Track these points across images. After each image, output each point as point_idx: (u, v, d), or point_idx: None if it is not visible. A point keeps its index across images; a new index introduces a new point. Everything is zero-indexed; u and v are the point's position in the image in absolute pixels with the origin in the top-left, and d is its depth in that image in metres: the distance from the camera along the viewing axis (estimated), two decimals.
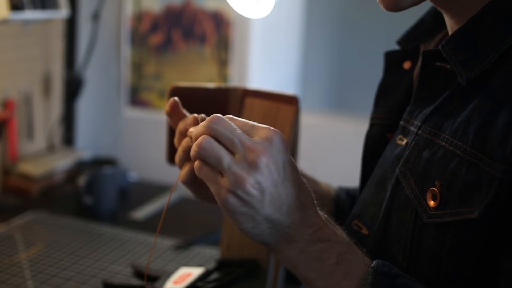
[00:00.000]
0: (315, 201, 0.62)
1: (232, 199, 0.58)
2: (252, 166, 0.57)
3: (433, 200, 0.59)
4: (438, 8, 0.67)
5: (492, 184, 0.54)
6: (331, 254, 0.59)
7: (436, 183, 0.59)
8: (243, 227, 0.59)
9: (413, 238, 0.62)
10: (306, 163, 1.69)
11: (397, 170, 0.64)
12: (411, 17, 0.81)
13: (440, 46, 0.62)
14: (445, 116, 0.62)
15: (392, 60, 0.79)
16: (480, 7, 0.61)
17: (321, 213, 0.62)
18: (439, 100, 0.63)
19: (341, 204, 0.90)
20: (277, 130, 0.60)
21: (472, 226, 0.56)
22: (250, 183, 0.57)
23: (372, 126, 0.78)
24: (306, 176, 0.82)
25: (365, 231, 0.70)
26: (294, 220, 0.60)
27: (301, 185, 0.61)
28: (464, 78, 0.60)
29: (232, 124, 0.59)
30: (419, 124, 0.65)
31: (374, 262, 0.60)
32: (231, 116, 0.61)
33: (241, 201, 0.58)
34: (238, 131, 0.59)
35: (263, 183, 0.57)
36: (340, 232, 0.62)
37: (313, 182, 0.87)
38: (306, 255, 0.60)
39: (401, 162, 0.64)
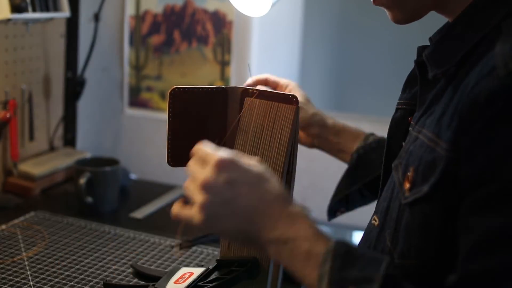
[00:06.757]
0: (282, 204, 0.68)
1: (201, 214, 0.68)
2: (201, 191, 0.67)
3: (408, 184, 0.67)
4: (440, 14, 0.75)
5: (440, 162, 0.62)
6: (300, 252, 0.66)
7: (411, 169, 0.67)
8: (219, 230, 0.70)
9: (397, 220, 0.70)
10: (306, 163, 1.70)
11: (392, 165, 0.73)
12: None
13: (423, 54, 0.72)
14: (430, 115, 0.70)
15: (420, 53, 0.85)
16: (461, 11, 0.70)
17: (289, 211, 0.68)
18: (427, 102, 0.72)
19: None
20: (219, 157, 0.67)
21: (431, 202, 0.64)
22: (203, 207, 0.67)
23: (397, 110, 0.86)
24: (336, 127, 1.12)
25: (377, 223, 0.77)
26: (255, 228, 0.68)
27: (262, 196, 0.68)
28: (431, 74, 0.70)
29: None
30: (414, 125, 0.73)
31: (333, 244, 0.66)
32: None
33: (207, 218, 0.68)
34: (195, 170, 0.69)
35: (211, 204, 0.67)
36: (306, 227, 0.67)
37: (341, 130, 1.12)
38: (281, 255, 0.67)
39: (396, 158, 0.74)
